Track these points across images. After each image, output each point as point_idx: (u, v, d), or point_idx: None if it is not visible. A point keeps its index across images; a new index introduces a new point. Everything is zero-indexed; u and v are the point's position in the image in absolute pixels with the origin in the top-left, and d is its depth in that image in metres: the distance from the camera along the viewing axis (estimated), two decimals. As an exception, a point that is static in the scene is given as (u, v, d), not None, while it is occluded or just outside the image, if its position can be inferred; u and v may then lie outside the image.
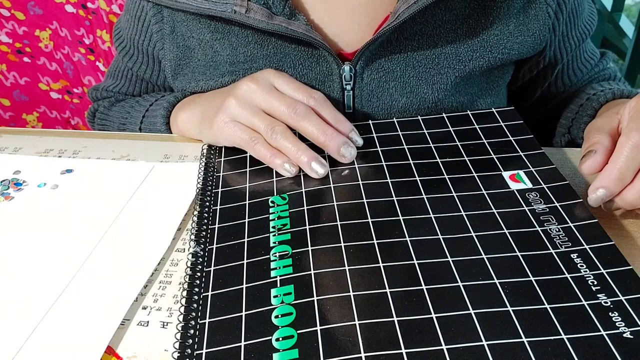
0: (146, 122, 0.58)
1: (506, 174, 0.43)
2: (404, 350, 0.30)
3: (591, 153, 0.40)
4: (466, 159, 0.45)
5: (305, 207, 0.41)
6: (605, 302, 0.32)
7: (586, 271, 0.34)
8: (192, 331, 0.33)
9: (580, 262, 0.35)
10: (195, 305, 0.35)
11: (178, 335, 0.33)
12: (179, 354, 0.32)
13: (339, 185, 0.43)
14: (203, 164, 0.48)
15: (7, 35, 1.08)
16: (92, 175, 0.49)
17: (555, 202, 0.40)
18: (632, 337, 0.30)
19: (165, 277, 0.39)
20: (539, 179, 0.42)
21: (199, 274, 0.37)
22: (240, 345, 0.32)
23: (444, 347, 0.30)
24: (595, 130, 0.42)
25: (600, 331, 0.31)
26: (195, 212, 0.43)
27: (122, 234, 0.42)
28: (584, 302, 0.32)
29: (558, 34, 0.55)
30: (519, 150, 0.45)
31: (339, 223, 0.39)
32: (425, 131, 0.48)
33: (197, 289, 0.36)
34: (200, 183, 0.46)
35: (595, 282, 0.33)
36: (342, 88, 0.52)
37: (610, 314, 0.31)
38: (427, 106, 0.52)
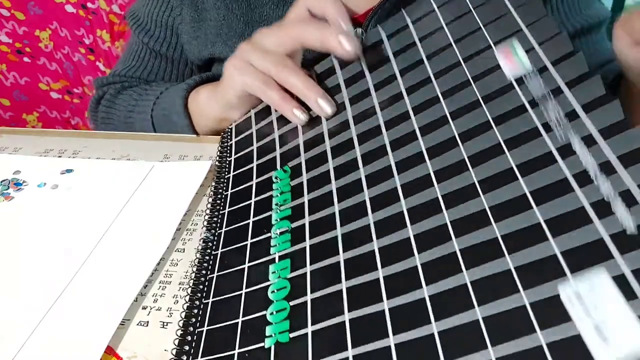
0: (157, 108, 0.58)
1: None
2: (386, 307, 0.29)
3: None
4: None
5: (304, 178, 0.40)
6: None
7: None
8: (195, 311, 0.35)
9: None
10: (201, 286, 0.37)
11: (183, 314, 0.35)
12: (182, 332, 0.34)
13: (336, 145, 0.41)
14: (218, 151, 0.49)
15: (7, 35, 1.09)
16: (92, 175, 0.49)
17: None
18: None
19: (165, 277, 0.39)
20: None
21: (207, 257, 0.39)
22: (238, 322, 0.33)
23: (426, 294, 0.29)
24: None
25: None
26: (210, 200, 0.44)
27: (122, 234, 0.42)
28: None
29: None
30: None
31: (333, 187, 0.38)
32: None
33: (204, 272, 0.38)
34: (216, 170, 0.47)
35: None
36: None
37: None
38: None
